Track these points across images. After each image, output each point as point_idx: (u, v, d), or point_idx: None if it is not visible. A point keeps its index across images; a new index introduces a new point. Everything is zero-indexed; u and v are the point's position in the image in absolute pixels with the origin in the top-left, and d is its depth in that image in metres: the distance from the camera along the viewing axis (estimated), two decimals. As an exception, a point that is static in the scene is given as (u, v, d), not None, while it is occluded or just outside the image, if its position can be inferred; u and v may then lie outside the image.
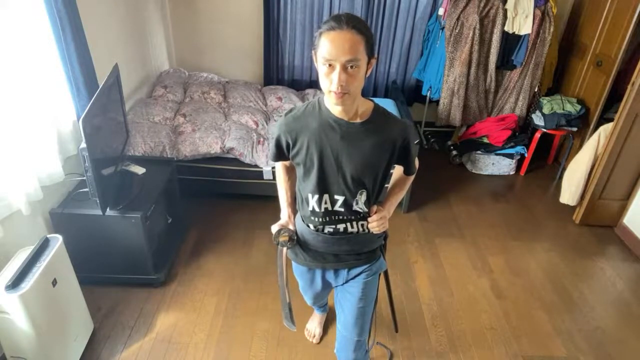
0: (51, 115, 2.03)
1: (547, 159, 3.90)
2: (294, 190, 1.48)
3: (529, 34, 3.33)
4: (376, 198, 1.37)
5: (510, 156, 3.59)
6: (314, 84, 3.99)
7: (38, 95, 1.93)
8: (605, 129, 2.86)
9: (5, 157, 1.73)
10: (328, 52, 1.07)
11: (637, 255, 2.81)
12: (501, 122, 3.54)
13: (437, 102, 3.68)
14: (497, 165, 3.64)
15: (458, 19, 3.33)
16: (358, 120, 1.25)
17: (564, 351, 2.12)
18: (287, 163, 1.48)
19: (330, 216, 1.35)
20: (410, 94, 4.06)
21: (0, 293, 1.55)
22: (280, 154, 1.37)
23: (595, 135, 2.92)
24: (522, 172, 3.68)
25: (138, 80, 3.29)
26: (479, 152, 3.61)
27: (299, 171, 1.35)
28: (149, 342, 2.03)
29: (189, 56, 3.99)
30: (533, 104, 3.64)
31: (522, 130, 3.70)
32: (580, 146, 3.21)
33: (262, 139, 2.96)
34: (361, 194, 1.31)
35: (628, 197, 2.94)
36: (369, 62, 1.15)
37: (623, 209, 2.97)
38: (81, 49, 2.04)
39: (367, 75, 1.17)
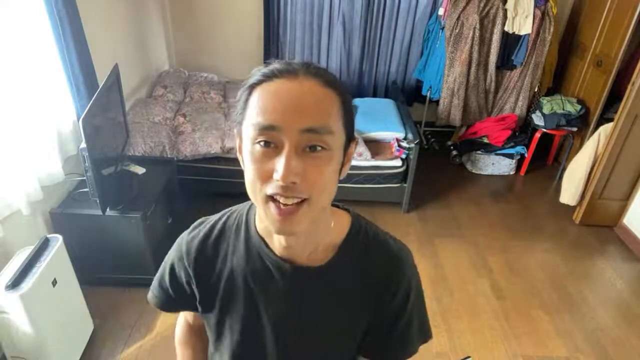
0: (51, 115, 2.04)
1: (547, 159, 3.89)
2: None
3: (529, 34, 3.33)
4: None
5: (510, 156, 3.59)
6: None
7: (38, 95, 1.94)
8: (605, 129, 2.86)
9: (5, 157, 1.73)
10: (267, 111, 0.56)
11: (637, 255, 2.81)
12: (501, 122, 3.53)
13: (437, 102, 3.68)
14: (497, 165, 3.63)
15: (458, 19, 3.32)
16: (317, 263, 0.70)
17: (564, 351, 2.12)
18: (190, 318, 0.92)
19: None
20: (410, 94, 4.06)
21: (0, 293, 1.55)
22: (178, 297, 0.81)
23: (595, 135, 2.92)
24: (522, 172, 3.68)
25: (138, 80, 3.29)
26: (479, 152, 3.61)
27: (208, 332, 0.83)
28: (149, 342, 2.03)
29: (189, 56, 3.99)
30: (533, 104, 3.64)
31: (522, 130, 3.70)
32: (580, 146, 3.21)
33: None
34: None
35: (628, 197, 2.94)
36: (347, 148, 0.63)
37: (623, 209, 2.97)
38: (81, 49, 2.04)
39: (342, 175, 0.64)
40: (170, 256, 0.81)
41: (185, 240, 0.77)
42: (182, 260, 0.77)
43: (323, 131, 0.56)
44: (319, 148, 0.57)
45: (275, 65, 0.59)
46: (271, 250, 0.70)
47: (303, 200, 0.57)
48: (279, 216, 0.57)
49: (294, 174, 0.55)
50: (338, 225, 0.72)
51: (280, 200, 0.57)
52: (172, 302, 0.82)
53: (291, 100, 0.56)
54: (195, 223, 0.80)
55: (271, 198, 0.58)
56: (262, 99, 0.57)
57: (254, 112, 0.57)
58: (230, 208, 0.79)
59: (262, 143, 0.56)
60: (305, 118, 0.55)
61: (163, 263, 0.82)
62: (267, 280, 0.71)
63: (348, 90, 0.63)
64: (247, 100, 0.60)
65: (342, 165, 0.63)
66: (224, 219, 0.78)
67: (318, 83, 0.58)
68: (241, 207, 0.77)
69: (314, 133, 0.56)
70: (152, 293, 0.85)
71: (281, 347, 0.75)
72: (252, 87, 0.59)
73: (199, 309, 0.79)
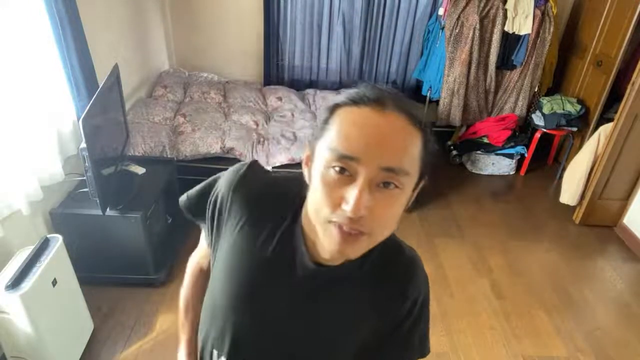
0: (51, 115, 2.04)
1: (547, 159, 3.89)
2: (199, 312, 0.84)
3: (529, 34, 3.33)
4: None
5: (510, 156, 3.59)
6: (314, 84, 3.99)
7: (38, 95, 1.93)
8: (605, 129, 2.86)
9: (5, 157, 1.73)
10: (349, 140, 0.55)
11: (637, 255, 2.81)
12: (501, 122, 3.53)
13: (437, 102, 3.68)
14: (497, 165, 3.63)
15: (458, 19, 3.32)
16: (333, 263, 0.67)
17: (564, 351, 2.12)
18: (203, 260, 0.90)
19: None
20: (410, 94, 4.05)
21: (0, 293, 1.55)
22: (201, 209, 0.79)
23: (595, 135, 2.92)
24: (522, 172, 3.68)
25: (138, 80, 3.29)
26: (479, 152, 3.61)
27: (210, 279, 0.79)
28: (149, 342, 2.03)
29: (189, 56, 3.99)
30: (533, 104, 3.64)
31: (522, 130, 3.70)
32: (580, 146, 3.21)
33: (262, 139, 2.96)
34: None
35: (628, 197, 2.94)
36: (415, 188, 0.62)
37: (623, 209, 2.97)
38: (81, 49, 2.04)
39: (405, 208, 0.62)
40: (217, 181, 0.77)
41: (239, 179, 0.72)
42: (220, 197, 0.73)
43: (400, 172, 0.55)
44: (393, 186, 0.56)
45: (365, 90, 0.58)
46: (307, 249, 0.67)
47: (364, 233, 0.56)
48: (340, 238, 0.56)
49: (364, 202, 0.54)
50: None
51: (344, 228, 0.56)
52: (195, 212, 0.81)
53: (376, 134, 0.54)
54: (258, 166, 0.76)
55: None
56: (346, 124, 0.56)
57: (334, 135, 0.56)
58: (291, 174, 0.75)
59: (337, 169, 0.55)
60: (387, 156, 0.54)
61: (209, 180, 0.80)
62: (285, 267, 0.69)
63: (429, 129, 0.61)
64: (328, 119, 0.58)
65: (408, 203, 0.62)
66: (287, 186, 0.73)
67: (405, 120, 0.56)
68: (298, 184, 0.69)
69: (391, 172, 0.55)
70: (187, 199, 0.83)
71: (278, 342, 0.72)
72: (337, 106, 0.58)
73: (213, 250, 0.77)
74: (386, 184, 0.56)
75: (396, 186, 0.56)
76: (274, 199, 0.73)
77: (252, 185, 0.73)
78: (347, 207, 0.54)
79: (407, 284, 0.72)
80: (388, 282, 0.71)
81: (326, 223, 0.57)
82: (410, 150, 0.56)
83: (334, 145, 0.55)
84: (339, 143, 0.55)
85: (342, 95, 0.58)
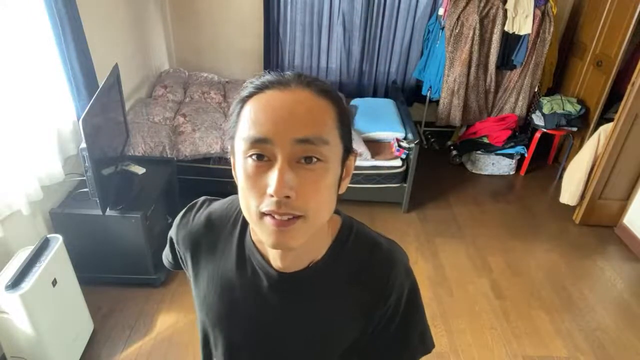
0: (51, 115, 2.04)
1: (547, 159, 3.89)
2: None
3: (529, 34, 3.33)
4: None
5: (510, 156, 3.59)
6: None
7: (38, 96, 1.94)
8: (605, 129, 2.86)
9: (5, 157, 1.73)
10: (259, 123, 0.54)
11: (637, 255, 2.81)
12: (501, 122, 3.53)
13: (437, 102, 3.68)
14: (497, 165, 3.63)
15: (458, 18, 3.33)
16: (301, 267, 0.67)
17: (564, 351, 2.12)
18: None
19: None
20: (410, 94, 4.06)
21: (0, 293, 1.55)
22: (179, 265, 0.85)
23: (595, 135, 2.92)
24: (522, 172, 3.68)
25: (138, 80, 3.29)
26: (479, 152, 3.61)
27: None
28: (149, 342, 2.03)
29: (189, 56, 3.99)
30: (533, 104, 3.64)
31: (522, 130, 3.70)
32: (580, 146, 3.21)
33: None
34: None
35: (628, 197, 2.94)
36: (345, 160, 0.61)
37: (623, 209, 2.97)
38: (81, 49, 2.04)
39: (341, 189, 0.62)
40: (171, 233, 0.83)
41: (179, 227, 0.78)
42: (178, 242, 0.79)
43: (317, 141, 0.54)
44: (315, 160, 0.55)
45: (267, 76, 0.58)
46: (264, 259, 0.68)
47: (299, 217, 0.55)
48: (275, 227, 0.55)
49: (288, 188, 0.52)
50: (328, 228, 0.69)
51: (275, 217, 0.54)
52: (177, 266, 0.87)
53: (283, 110, 0.54)
54: (197, 205, 0.80)
55: (265, 213, 0.55)
56: (253, 111, 0.55)
57: (245, 125, 0.56)
58: (234, 197, 0.76)
59: (254, 157, 0.54)
60: (298, 128, 0.53)
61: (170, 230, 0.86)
62: (252, 276, 0.69)
63: (343, 100, 0.60)
64: (239, 113, 0.58)
65: (342, 179, 0.61)
66: (224, 208, 0.76)
67: (311, 92, 0.56)
68: (238, 207, 0.74)
69: (308, 144, 0.53)
70: (164, 255, 0.91)
71: (269, 352, 0.73)
72: (244, 100, 0.58)
73: (195, 295, 0.80)
74: (308, 160, 0.54)
75: (318, 159, 0.55)
76: (217, 224, 0.74)
77: (192, 223, 0.77)
78: (270, 190, 0.52)
79: (387, 280, 0.69)
80: (366, 281, 0.69)
81: (260, 219, 0.56)
82: (322, 119, 0.55)
83: (245, 134, 0.55)
84: (250, 129, 0.55)
85: (247, 88, 0.58)
